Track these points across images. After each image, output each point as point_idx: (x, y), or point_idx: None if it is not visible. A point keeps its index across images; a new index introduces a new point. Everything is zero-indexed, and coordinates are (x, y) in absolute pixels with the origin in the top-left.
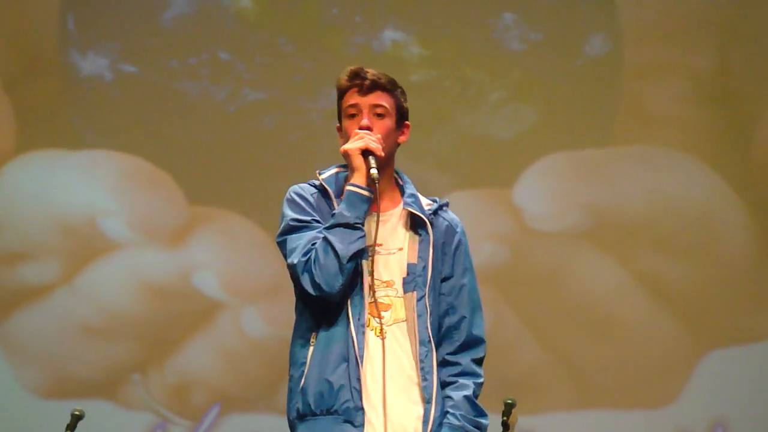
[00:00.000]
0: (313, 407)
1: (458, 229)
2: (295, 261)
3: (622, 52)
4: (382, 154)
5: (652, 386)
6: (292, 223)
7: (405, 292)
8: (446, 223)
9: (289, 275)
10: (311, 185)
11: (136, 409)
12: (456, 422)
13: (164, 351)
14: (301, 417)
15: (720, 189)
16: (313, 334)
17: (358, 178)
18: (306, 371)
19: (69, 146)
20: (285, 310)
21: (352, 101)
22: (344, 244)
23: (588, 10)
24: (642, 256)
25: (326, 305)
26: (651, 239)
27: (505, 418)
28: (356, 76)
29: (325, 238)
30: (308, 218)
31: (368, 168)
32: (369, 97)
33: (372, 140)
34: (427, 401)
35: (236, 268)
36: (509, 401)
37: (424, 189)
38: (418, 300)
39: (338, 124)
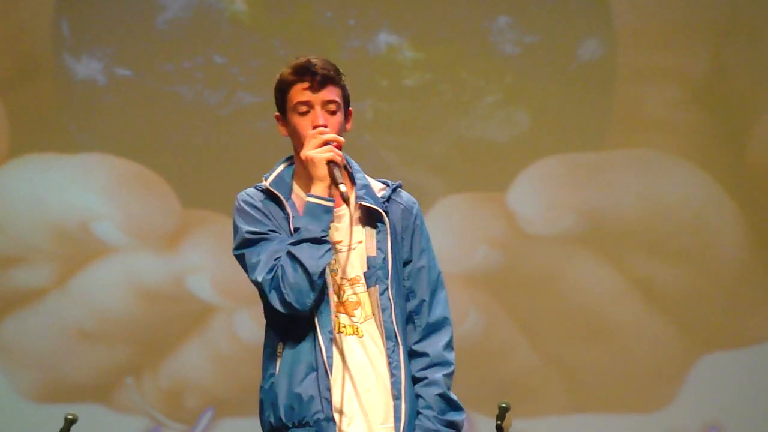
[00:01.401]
0: (284, 419)
1: (414, 211)
2: (260, 279)
3: (615, 55)
4: (343, 162)
5: (646, 390)
6: (247, 236)
7: (368, 286)
8: (401, 206)
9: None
10: (259, 190)
11: (130, 413)
12: (429, 425)
13: (157, 355)
14: (275, 430)
15: (714, 192)
16: (280, 344)
17: (320, 189)
18: (275, 382)
19: (63, 150)
20: None
21: (302, 98)
22: (313, 260)
23: (582, 14)
24: (636, 259)
25: (293, 317)
26: (645, 243)
27: (499, 422)
28: (306, 71)
29: (292, 255)
30: (264, 229)
31: (335, 182)
32: (321, 93)
33: (336, 151)
34: (396, 397)
35: (230, 272)
36: (503, 405)
37: (418, 193)
38: (381, 294)
39: (276, 113)
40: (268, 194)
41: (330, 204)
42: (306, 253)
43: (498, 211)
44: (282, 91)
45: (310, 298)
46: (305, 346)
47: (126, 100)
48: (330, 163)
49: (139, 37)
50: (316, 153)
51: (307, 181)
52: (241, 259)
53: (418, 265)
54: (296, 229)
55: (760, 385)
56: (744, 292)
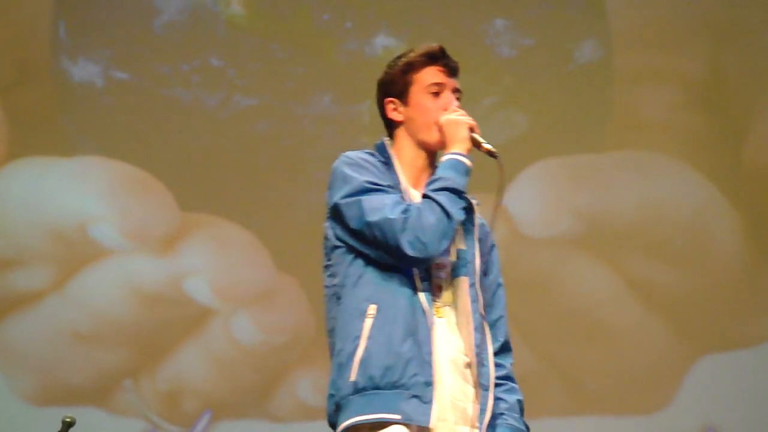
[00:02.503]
0: (378, 380)
1: (487, 228)
2: (393, 216)
3: (613, 58)
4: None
5: (644, 392)
6: (367, 184)
7: (455, 276)
8: (481, 220)
9: (353, 239)
10: (369, 154)
11: (128, 416)
12: (516, 424)
13: (155, 357)
14: (359, 391)
15: (711, 195)
16: (371, 306)
17: (460, 148)
18: (365, 344)
19: (60, 153)
20: (276, 317)
21: (437, 79)
22: (454, 207)
23: (579, 17)
24: (634, 262)
25: (390, 275)
26: (643, 245)
27: None
28: (442, 55)
29: (432, 198)
30: (383, 183)
31: (477, 144)
32: (452, 80)
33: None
34: (485, 388)
35: (228, 275)
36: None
37: None
38: (470, 286)
39: (389, 98)
40: (383, 160)
41: (470, 165)
42: (447, 199)
43: None
44: (407, 72)
45: (442, 245)
46: (402, 308)
47: (123, 103)
48: (470, 130)
49: (136, 40)
50: (459, 117)
51: (415, 162)
52: (351, 205)
53: (498, 281)
54: (432, 181)
55: (757, 387)
56: (741, 294)
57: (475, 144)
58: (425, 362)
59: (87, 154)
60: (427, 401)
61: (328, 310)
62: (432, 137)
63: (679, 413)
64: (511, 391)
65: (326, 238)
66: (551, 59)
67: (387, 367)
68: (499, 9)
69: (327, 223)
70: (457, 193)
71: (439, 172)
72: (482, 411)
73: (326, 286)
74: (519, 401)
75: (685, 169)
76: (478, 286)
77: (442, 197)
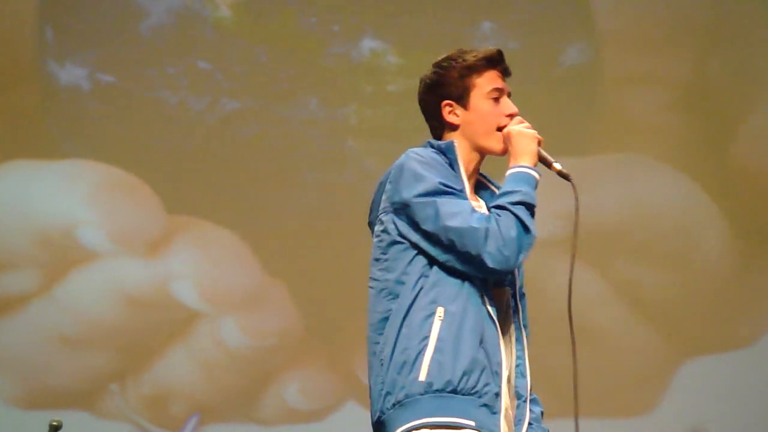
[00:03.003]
0: (455, 384)
1: None
2: (476, 225)
3: (599, 61)
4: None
5: (630, 395)
6: (441, 186)
7: (497, 285)
8: None
9: (422, 239)
10: (435, 153)
11: (115, 420)
12: None
13: (142, 361)
14: (434, 392)
15: (698, 197)
16: (438, 308)
17: (529, 161)
18: (435, 345)
19: (47, 156)
20: (263, 320)
21: (498, 85)
22: (531, 223)
23: (565, 19)
24: (620, 264)
25: (457, 280)
26: (629, 248)
27: None
28: (501, 59)
29: (510, 211)
30: (457, 186)
31: (546, 161)
32: (506, 84)
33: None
34: (523, 399)
35: (215, 278)
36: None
37: None
38: (512, 296)
39: (448, 100)
40: (449, 162)
41: (539, 179)
42: (524, 213)
43: None
44: (467, 76)
45: (521, 259)
46: (473, 315)
47: (110, 106)
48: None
49: (123, 43)
50: (527, 129)
51: (468, 167)
52: (426, 206)
53: (522, 290)
54: (505, 192)
55: (743, 390)
56: (727, 296)
57: (544, 161)
58: (495, 372)
59: (74, 157)
60: (495, 411)
61: (374, 303)
62: (492, 143)
63: (666, 416)
64: (535, 401)
65: (385, 232)
66: (538, 62)
67: (465, 372)
68: (485, 12)
69: (387, 217)
70: (531, 208)
71: (513, 185)
72: (518, 421)
73: (375, 279)
74: (542, 412)
75: (672, 171)
76: (518, 296)
77: (520, 211)
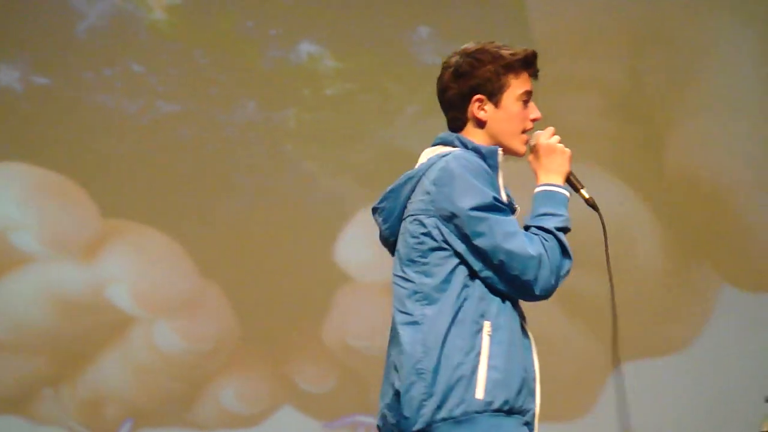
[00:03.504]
0: (512, 403)
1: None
2: (533, 252)
3: None
4: None
5: (566, 399)
6: (496, 202)
7: None
8: None
9: (470, 252)
10: (477, 159)
11: (48, 424)
12: None
13: (76, 365)
14: (494, 411)
15: (633, 202)
16: (486, 322)
17: (560, 180)
18: (488, 362)
19: None
20: (200, 325)
21: (530, 87)
22: (571, 251)
23: (501, 24)
24: None
25: (499, 294)
26: None
27: None
28: (535, 61)
29: (556, 238)
30: (506, 202)
31: (576, 186)
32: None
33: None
34: None
35: (150, 282)
36: None
37: (340, 203)
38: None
39: (479, 95)
40: (489, 167)
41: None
42: (565, 240)
43: None
44: (505, 74)
45: (558, 286)
46: (516, 331)
47: (44, 109)
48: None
49: (57, 44)
50: (560, 145)
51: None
52: (481, 222)
53: None
54: (549, 214)
55: (677, 394)
56: (663, 300)
57: (573, 186)
58: (532, 389)
59: (6, 160)
60: (533, 428)
61: (403, 304)
62: (516, 145)
63: (601, 420)
64: None
65: (427, 235)
66: None
67: (518, 391)
68: (422, 16)
69: (431, 221)
70: (567, 232)
71: (554, 207)
72: None
73: (409, 281)
74: None
75: (606, 176)
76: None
77: (564, 237)
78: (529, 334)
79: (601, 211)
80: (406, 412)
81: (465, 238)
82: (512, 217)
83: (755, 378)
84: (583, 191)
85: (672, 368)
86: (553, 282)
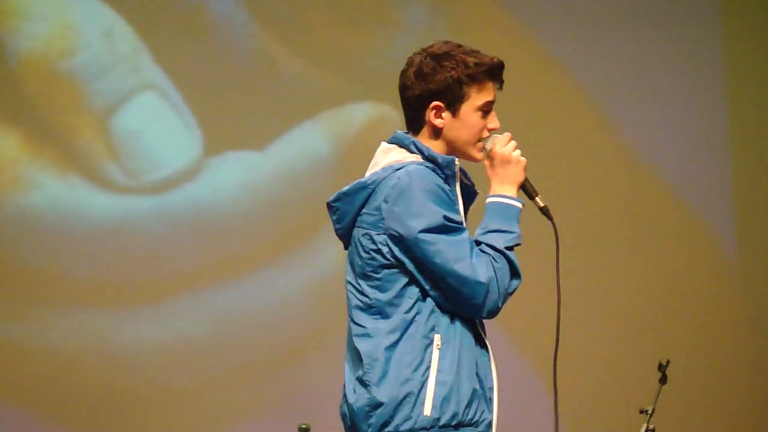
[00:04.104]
0: (461, 417)
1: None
2: (483, 279)
3: None
4: None
5: None
6: (447, 222)
7: None
8: None
9: (420, 273)
10: (432, 172)
11: None
12: None
13: None
14: (442, 426)
15: None
16: (436, 335)
17: (514, 192)
18: (437, 377)
19: None
20: None
21: (491, 98)
22: (519, 269)
23: None
24: None
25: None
26: None
27: None
28: (501, 72)
29: (506, 258)
30: (458, 219)
31: (531, 195)
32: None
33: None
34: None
35: None
36: (303, 426)
37: None
38: None
39: (437, 102)
40: (445, 177)
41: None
42: (515, 258)
43: None
44: (465, 84)
45: (500, 309)
46: (469, 341)
47: None
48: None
49: None
50: (518, 156)
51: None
52: (431, 244)
53: None
54: (500, 230)
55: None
56: None
57: (527, 193)
58: (489, 399)
59: None
60: None
61: (357, 316)
62: (472, 153)
63: None
64: None
65: (377, 252)
66: None
67: (468, 404)
68: None
69: (381, 238)
70: (516, 247)
71: (503, 222)
72: None
73: (363, 294)
74: None
75: None
76: None
77: (514, 256)
78: (487, 344)
79: (554, 220)
80: (356, 420)
81: (414, 260)
82: (463, 236)
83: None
84: (537, 199)
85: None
86: (500, 304)
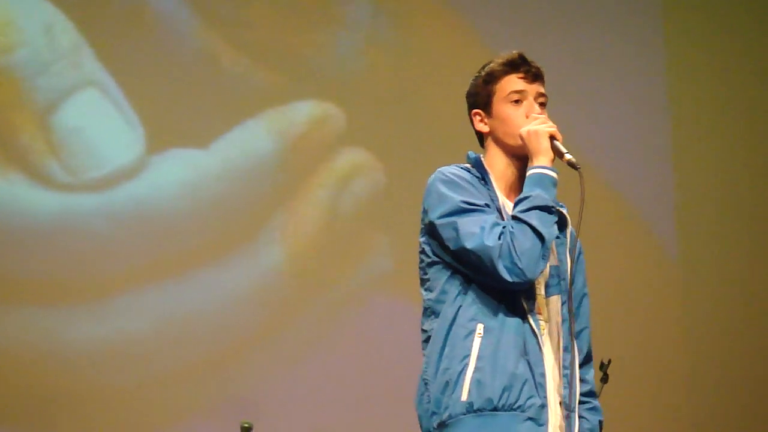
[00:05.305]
0: (495, 402)
1: (575, 234)
2: (490, 243)
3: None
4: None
5: None
6: (463, 204)
7: (548, 294)
8: (570, 228)
9: (451, 258)
10: (463, 169)
11: None
12: None
13: None
14: (475, 411)
15: None
16: (478, 325)
17: (545, 161)
18: (476, 364)
19: None
20: None
21: (517, 87)
22: (546, 227)
23: None
24: None
25: (495, 294)
26: None
27: None
28: (522, 62)
29: (522, 221)
30: (480, 202)
31: (560, 153)
32: (534, 85)
33: (554, 127)
34: (571, 409)
35: None
36: (246, 425)
37: None
38: (562, 304)
39: (475, 110)
40: (477, 174)
41: (557, 176)
42: (538, 219)
43: None
44: (489, 82)
45: (539, 267)
46: (512, 328)
47: None
48: (552, 139)
49: None
50: (540, 126)
51: (506, 172)
52: (447, 227)
53: (584, 291)
54: (520, 200)
55: None
56: None
57: (557, 153)
58: (539, 384)
59: None
60: (542, 423)
61: (422, 322)
62: (518, 145)
63: None
64: (594, 410)
65: (422, 253)
66: None
67: (504, 388)
68: None
69: (423, 239)
70: (546, 210)
71: (526, 190)
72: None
73: (423, 299)
74: (600, 422)
75: None
76: (570, 304)
77: (533, 218)
78: (536, 329)
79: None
80: (420, 419)
81: (444, 247)
82: (482, 216)
83: None
84: (565, 156)
85: None
86: (522, 266)
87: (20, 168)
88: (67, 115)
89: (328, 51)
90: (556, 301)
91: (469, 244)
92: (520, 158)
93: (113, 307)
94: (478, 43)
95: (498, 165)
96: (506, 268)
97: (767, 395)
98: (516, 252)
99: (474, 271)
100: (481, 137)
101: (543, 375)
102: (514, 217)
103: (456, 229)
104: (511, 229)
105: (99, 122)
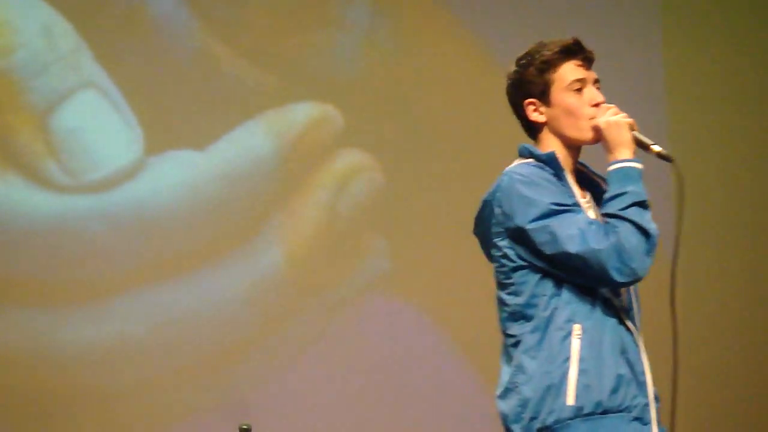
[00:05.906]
0: (605, 404)
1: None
2: (595, 246)
3: None
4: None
5: None
6: (553, 207)
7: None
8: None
9: (545, 263)
10: (536, 167)
11: None
12: None
13: None
14: (585, 415)
15: None
16: (575, 326)
17: (627, 153)
18: (579, 366)
19: None
20: None
21: (578, 75)
22: (648, 223)
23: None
24: None
25: (590, 295)
26: None
27: None
28: (579, 49)
29: (624, 219)
30: (569, 202)
31: (643, 145)
32: (590, 72)
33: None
34: (657, 400)
35: None
36: (244, 427)
37: None
38: (636, 298)
39: (529, 99)
40: (551, 171)
41: (642, 168)
42: (639, 216)
43: None
44: (545, 71)
45: (648, 264)
46: (610, 328)
47: None
48: (632, 129)
49: None
50: (618, 117)
51: (566, 163)
52: (541, 231)
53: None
54: (615, 196)
55: None
56: None
57: (641, 145)
58: (641, 383)
59: None
60: (647, 422)
61: (506, 326)
62: (582, 135)
63: None
64: (656, 399)
65: (505, 257)
66: None
67: (612, 390)
68: None
69: (504, 243)
70: (643, 205)
71: (618, 186)
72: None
73: (505, 303)
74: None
75: None
76: (633, 294)
77: (635, 215)
78: (631, 328)
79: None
80: (508, 423)
81: (538, 252)
82: (576, 216)
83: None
84: (653, 147)
85: None
86: (633, 265)
87: (18, 169)
88: (65, 116)
89: (326, 53)
90: (625, 292)
91: (571, 248)
92: (576, 148)
93: (111, 308)
94: (477, 46)
95: (561, 160)
96: (616, 268)
97: (767, 395)
98: (625, 252)
99: (574, 274)
100: (532, 128)
101: (643, 373)
102: (613, 215)
103: (552, 233)
104: (615, 229)
105: (97, 124)
